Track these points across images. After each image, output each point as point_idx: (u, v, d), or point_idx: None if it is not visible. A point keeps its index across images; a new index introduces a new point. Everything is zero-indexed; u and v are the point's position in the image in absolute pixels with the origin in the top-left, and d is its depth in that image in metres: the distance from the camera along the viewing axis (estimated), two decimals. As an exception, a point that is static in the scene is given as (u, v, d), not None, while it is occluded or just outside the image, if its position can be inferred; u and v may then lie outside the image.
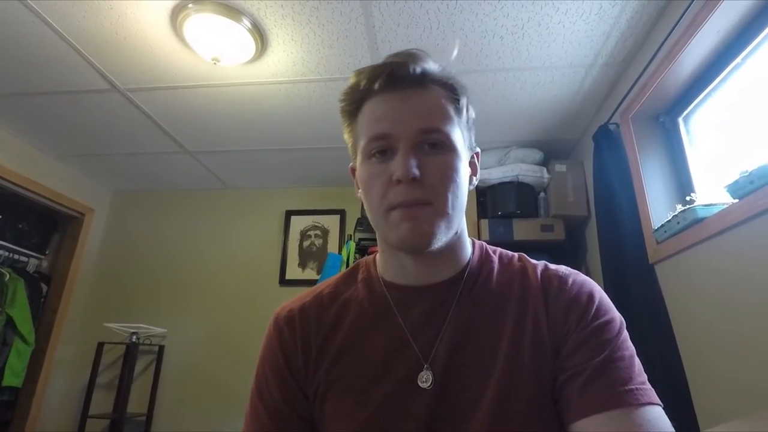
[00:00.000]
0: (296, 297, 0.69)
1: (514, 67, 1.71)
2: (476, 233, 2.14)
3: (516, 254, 0.67)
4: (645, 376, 0.52)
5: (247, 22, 1.48)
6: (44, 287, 2.67)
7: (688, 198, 1.38)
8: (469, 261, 0.63)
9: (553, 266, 0.63)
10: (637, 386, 0.49)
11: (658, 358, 1.36)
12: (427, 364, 0.56)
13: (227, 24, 1.46)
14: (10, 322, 2.35)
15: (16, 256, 2.55)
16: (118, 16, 1.48)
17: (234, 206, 2.98)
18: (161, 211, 3.02)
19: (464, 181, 0.58)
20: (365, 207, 0.61)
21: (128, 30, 1.54)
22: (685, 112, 1.55)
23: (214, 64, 1.61)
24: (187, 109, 2.05)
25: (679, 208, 1.33)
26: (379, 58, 1.65)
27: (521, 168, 2.19)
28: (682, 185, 1.54)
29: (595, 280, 0.62)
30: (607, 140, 1.76)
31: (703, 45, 1.30)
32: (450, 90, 0.58)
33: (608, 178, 1.72)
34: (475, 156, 0.65)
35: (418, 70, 0.56)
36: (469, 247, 0.64)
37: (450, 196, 0.55)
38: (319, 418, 0.60)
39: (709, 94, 1.43)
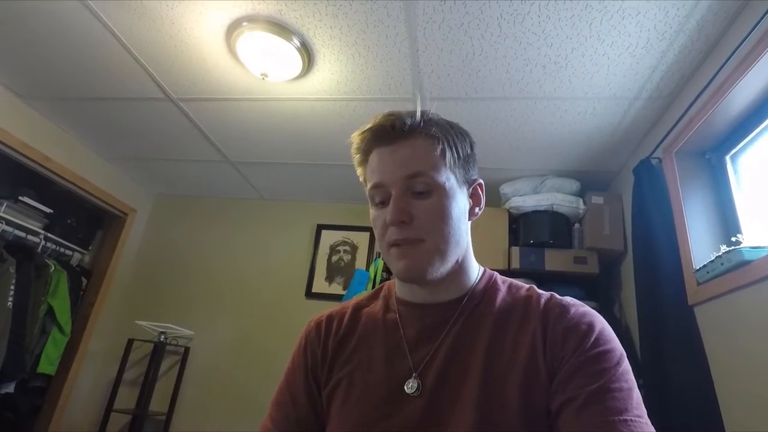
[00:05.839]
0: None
1: (555, 96, 1.71)
2: (506, 260, 2.11)
3: (527, 285, 0.70)
4: (643, 410, 0.52)
5: (296, 41, 1.55)
6: (84, 281, 2.80)
7: (733, 239, 1.32)
8: (473, 286, 0.68)
9: (559, 297, 0.65)
10: (633, 417, 0.50)
11: (693, 401, 1.29)
12: (416, 374, 0.62)
13: (278, 42, 1.53)
14: (50, 312, 2.47)
15: (62, 250, 2.69)
16: (178, 31, 1.58)
17: (268, 217, 3.06)
18: (199, 216, 3.13)
19: (458, 217, 0.64)
20: None
21: (186, 43, 1.64)
22: (733, 151, 1.50)
23: (263, 79, 1.68)
24: (233, 121, 2.14)
25: (724, 248, 1.28)
26: (421, 80, 1.69)
27: (556, 197, 2.15)
28: (727, 225, 1.48)
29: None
30: (649, 175, 1.71)
31: (755, 83, 1.26)
32: (431, 137, 0.64)
33: (648, 214, 1.67)
34: (478, 187, 0.70)
35: (398, 125, 0.63)
36: (474, 274, 0.70)
37: (441, 233, 0.62)
38: (326, 412, 0.68)
39: (760, 133, 1.39)
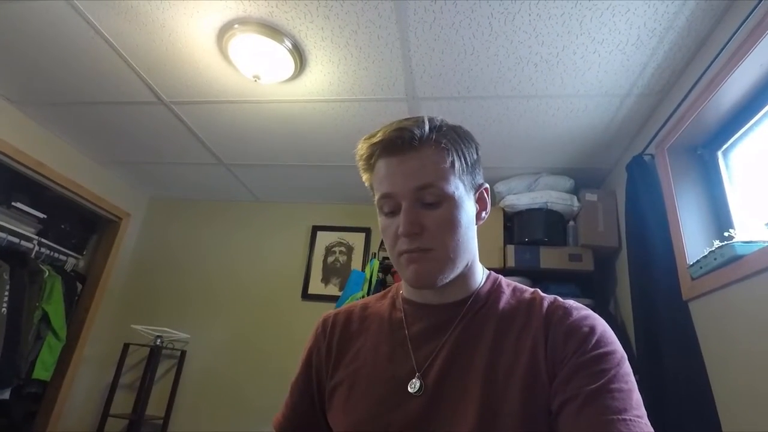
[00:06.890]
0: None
1: (547, 94, 1.71)
2: (502, 259, 2.11)
3: (531, 288, 0.71)
4: (644, 411, 0.52)
5: (288, 43, 1.54)
6: (79, 286, 2.78)
7: (726, 234, 1.33)
8: (478, 288, 0.70)
9: (563, 300, 0.66)
10: (632, 417, 0.50)
11: (689, 396, 1.30)
12: (419, 373, 0.64)
13: (269, 44, 1.53)
14: (45, 317, 2.45)
15: (56, 255, 2.67)
16: (169, 34, 1.58)
17: (263, 219, 3.05)
18: (194, 219, 3.12)
19: (467, 224, 0.66)
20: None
21: (177, 47, 1.63)
22: (725, 146, 1.51)
23: (255, 81, 1.68)
24: (226, 123, 2.14)
25: (717, 243, 1.28)
26: (413, 81, 1.69)
27: (551, 195, 2.16)
28: (720, 220, 1.49)
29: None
30: (641, 171, 1.72)
31: (745, 78, 1.27)
32: (440, 148, 0.64)
33: (641, 210, 1.68)
34: (484, 191, 0.71)
35: (407, 138, 0.63)
36: (479, 277, 0.71)
37: (450, 242, 0.63)
38: (329, 407, 0.70)
39: (751, 128, 1.39)
